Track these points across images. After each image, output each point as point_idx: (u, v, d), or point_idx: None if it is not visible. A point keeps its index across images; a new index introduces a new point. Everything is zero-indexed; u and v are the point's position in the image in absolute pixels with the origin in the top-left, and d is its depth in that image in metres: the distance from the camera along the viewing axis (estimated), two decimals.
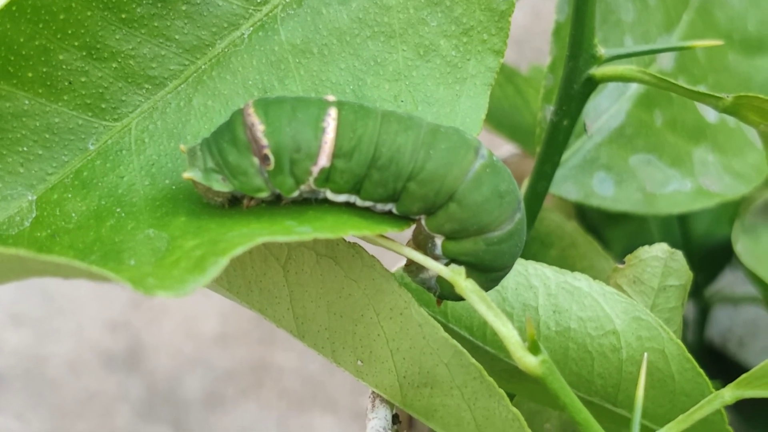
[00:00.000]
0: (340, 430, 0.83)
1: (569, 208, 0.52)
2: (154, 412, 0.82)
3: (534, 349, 0.27)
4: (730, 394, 0.30)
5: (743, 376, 0.29)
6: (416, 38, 0.31)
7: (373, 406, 0.31)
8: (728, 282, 0.58)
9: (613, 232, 0.54)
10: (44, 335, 0.83)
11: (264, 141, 0.27)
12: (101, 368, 0.83)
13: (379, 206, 0.29)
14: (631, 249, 0.36)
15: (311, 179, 0.28)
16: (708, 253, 0.55)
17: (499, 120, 0.50)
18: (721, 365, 0.61)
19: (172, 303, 0.84)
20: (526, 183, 0.39)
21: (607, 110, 0.42)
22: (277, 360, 0.84)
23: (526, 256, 0.44)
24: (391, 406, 0.31)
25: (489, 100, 0.43)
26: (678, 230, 0.54)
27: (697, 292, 0.56)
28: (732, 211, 0.50)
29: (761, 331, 0.62)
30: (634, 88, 0.43)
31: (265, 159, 0.27)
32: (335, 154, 0.27)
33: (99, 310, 0.84)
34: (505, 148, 0.56)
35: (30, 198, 0.28)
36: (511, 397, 0.36)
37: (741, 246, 0.47)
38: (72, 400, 0.82)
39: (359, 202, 0.28)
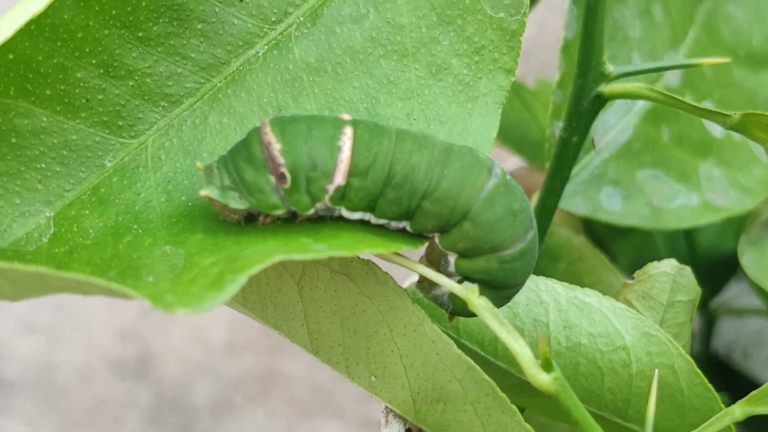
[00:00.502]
0: None
1: (577, 222, 0.51)
2: (162, 419, 0.82)
3: (547, 366, 0.27)
4: (740, 410, 0.29)
5: (753, 393, 0.29)
6: (428, 57, 0.31)
7: (387, 420, 0.31)
8: (733, 294, 0.58)
9: (619, 246, 0.53)
10: (55, 343, 0.83)
11: (281, 159, 0.27)
12: (111, 376, 0.83)
13: (394, 224, 0.28)
14: (637, 262, 0.36)
15: (327, 197, 0.27)
16: (713, 266, 0.55)
17: (506, 133, 0.50)
18: (726, 376, 0.61)
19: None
20: (535, 198, 0.39)
21: (614, 126, 0.42)
22: (285, 368, 0.84)
23: (536, 270, 0.44)
24: (404, 421, 0.31)
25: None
26: (684, 243, 0.54)
27: (703, 304, 0.56)
28: (737, 224, 0.50)
29: (766, 342, 0.62)
30: (642, 104, 0.43)
31: (281, 177, 0.27)
32: (351, 173, 0.27)
33: (109, 319, 0.84)
34: (512, 161, 0.56)
35: (48, 214, 0.28)
36: (521, 411, 0.36)
37: (747, 259, 0.46)
38: (82, 407, 0.82)
39: (374, 219, 0.28)
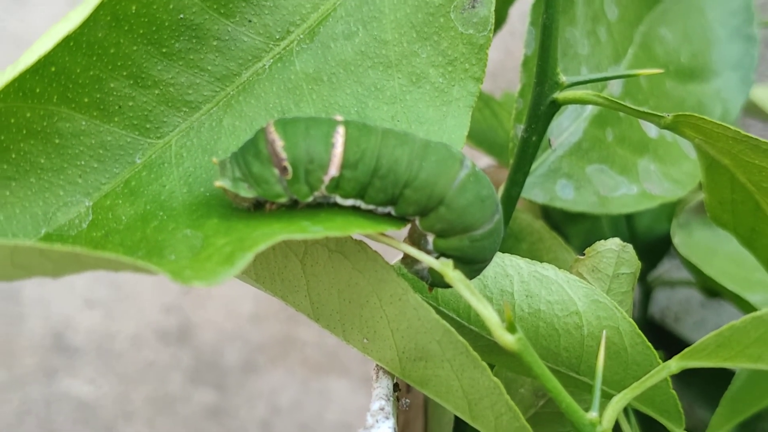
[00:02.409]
0: (352, 391, 0.82)
1: (537, 209, 0.50)
2: (200, 377, 0.81)
3: (511, 328, 0.25)
4: (675, 364, 0.28)
5: (686, 350, 0.28)
6: (409, 68, 0.29)
7: (377, 376, 0.30)
8: (666, 269, 0.57)
9: (572, 229, 0.52)
10: (112, 316, 0.82)
11: (283, 155, 0.26)
12: (158, 342, 0.82)
13: (380, 209, 0.27)
14: (587, 243, 0.35)
15: (323, 186, 0.26)
16: (650, 245, 0.54)
17: (478, 138, 0.48)
18: (661, 337, 0.59)
19: (215, 289, 0.84)
20: (501, 189, 0.37)
21: (567, 128, 0.41)
22: (300, 335, 0.83)
23: (503, 249, 0.42)
24: (392, 376, 0.30)
25: (471, 121, 0.41)
26: (625, 226, 0.52)
27: (641, 277, 0.55)
28: (669, 210, 0.49)
29: (693, 308, 0.61)
30: (590, 110, 0.41)
31: (284, 170, 0.26)
32: (343, 166, 0.26)
33: (156, 295, 0.83)
34: (483, 161, 0.55)
35: (87, 204, 0.27)
36: (491, 367, 0.35)
37: (678, 239, 0.45)
38: (134, 368, 0.81)
39: (363, 205, 0.27)
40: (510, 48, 0.75)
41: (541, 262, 0.34)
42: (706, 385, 0.52)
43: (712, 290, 0.52)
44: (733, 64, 0.48)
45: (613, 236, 0.52)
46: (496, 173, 0.52)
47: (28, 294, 0.81)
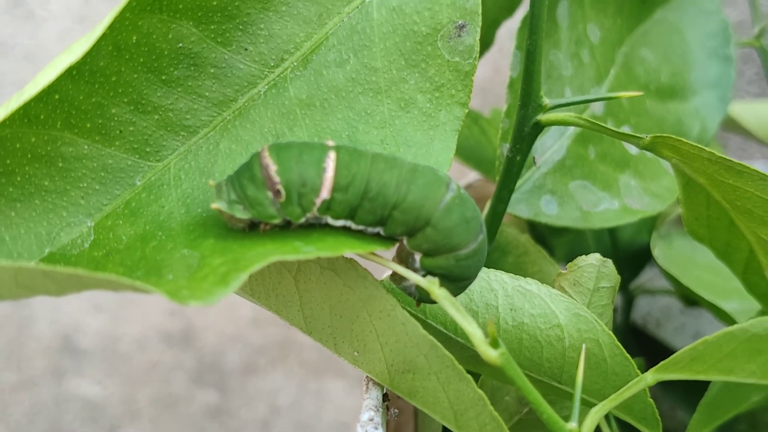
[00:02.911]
0: (348, 392, 0.82)
1: (523, 223, 0.50)
2: (203, 378, 0.81)
3: (494, 343, 0.26)
4: (651, 377, 0.28)
5: (662, 363, 0.28)
6: (398, 93, 0.29)
7: (367, 388, 0.30)
8: (648, 278, 0.57)
9: (557, 241, 0.52)
10: (118, 320, 0.82)
11: (276, 179, 0.26)
12: (162, 345, 0.82)
13: (370, 229, 0.27)
14: (572, 254, 0.35)
15: (315, 209, 0.26)
16: (632, 256, 0.54)
17: (466, 154, 0.48)
18: (643, 342, 0.60)
19: None
20: (488, 204, 0.37)
21: (551, 147, 0.41)
22: (298, 337, 0.83)
23: (490, 261, 0.42)
24: (382, 387, 0.30)
25: (460, 137, 0.41)
26: (608, 239, 0.53)
27: (624, 286, 0.55)
28: (650, 223, 0.49)
29: (673, 314, 0.61)
30: (573, 129, 0.42)
31: (277, 193, 0.26)
32: (334, 189, 0.26)
33: (160, 300, 0.83)
34: (471, 175, 0.55)
35: (89, 224, 0.27)
36: (478, 376, 0.35)
37: (658, 251, 0.45)
38: (139, 369, 0.81)
39: (354, 226, 0.27)
40: (499, 65, 0.75)
41: (527, 274, 0.34)
42: (687, 390, 0.52)
43: (690, 299, 0.52)
44: (711, 84, 0.48)
45: (597, 248, 0.52)
46: (484, 187, 0.52)
47: (38, 298, 0.81)
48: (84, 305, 0.82)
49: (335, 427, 0.82)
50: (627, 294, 0.55)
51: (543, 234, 0.52)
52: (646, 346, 0.58)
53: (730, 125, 0.62)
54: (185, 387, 0.81)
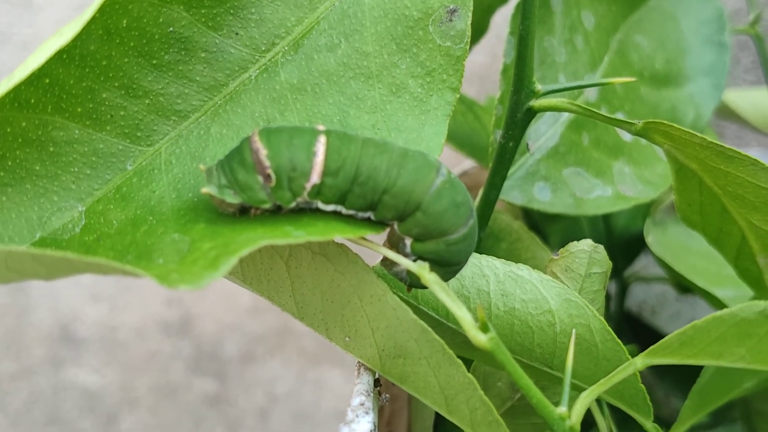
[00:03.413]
0: (346, 380, 0.82)
1: (517, 210, 0.50)
2: (201, 367, 0.81)
3: (484, 328, 0.25)
4: (641, 362, 0.28)
5: (651, 348, 0.28)
6: (390, 78, 0.29)
7: (359, 373, 0.30)
8: (642, 265, 0.57)
9: (552, 227, 0.52)
10: (116, 308, 0.82)
11: (267, 163, 0.26)
12: (160, 333, 0.82)
13: (360, 214, 0.27)
14: (566, 240, 0.35)
15: (305, 193, 0.26)
16: (626, 243, 0.54)
17: (461, 141, 0.48)
18: (638, 329, 0.60)
19: (215, 281, 0.84)
20: (481, 191, 0.37)
21: (545, 133, 0.41)
22: (296, 326, 0.83)
23: (483, 248, 0.42)
24: (373, 372, 0.30)
25: (454, 125, 0.41)
26: (603, 225, 0.52)
27: (618, 273, 0.55)
28: (645, 209, 0.49)
29: (668, 302, 0.61)
30: (566, 115, 0.41)
31: (267, 177, 0.26)
32: (324, 173, 0.26)
33: (158, 288, 0.83)
34: (466, 163, 0.55)
35: (80, 209, 0.27)
36: (470, 362, 0.35)
37: (651, 238, 0.45)
38: (137, 358, 0.81)
39: (344, 211, 0.27)
40: (496, 52, 0.75)
41: (520, 260, 0.34)
42: (681, 378, 0.52)
43: (684, 286, 0.52)
44: (706, 71, 0.48)
45: (591, 234, 0.52)
46: (479, 174, 0.52)
47: (36, 287, 0.81)
48: (82, 294, 0.82)
49: (333, 414, 0.82)
50: (621, 281, 0.55)
51: (537, 221, 0.52)
52: (641, 334, 0.58)
53: (727, 113, 0.62)
54: (183, 375, 0.81)
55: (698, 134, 0.31)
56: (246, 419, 0.80)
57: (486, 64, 0.76)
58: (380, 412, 0.44)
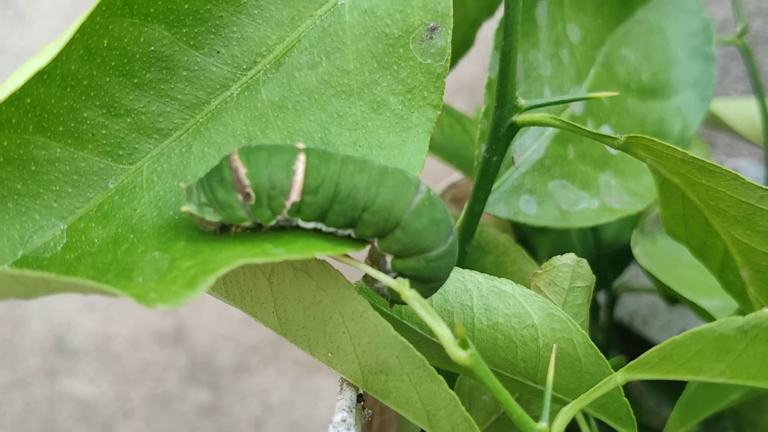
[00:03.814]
0: None
1: (505, 222, 0.50)
2: (195, 377, 0.81)
3: (464, 344, 0.26)
4: (621, 377, 0.28)
5: (631, 363, 0.28)
6: (371, 96, 0.29)
7: (341, 389, 0.30)
8: (633, 275, 0.57)
9: (540, 239, 0.52)
10: (110, 319, 0.82)
11: (246, 181, 0.26)
12: (154, 344, 0.82)
13: (341, 231, 0.27)
14: (554, 254, 0.35)
15: (285, 211, 0.26)
16: (615, 254, 0.54)
17: (449, 153, 0.48)
18: (629, 339, 0.60)
19: (208, 294, 0.84)
20: (466, 205, 0.37)
21: (530, 147, 0.41)
22: None
23: (469, 261, 0.42)
24: (356, 388, 0.30)
25: (442, 137, 0.41)
26: (592, 237, 0.53)
27: (607, 284, 0.55)
28: (634, 221, 0.49)
29: (659, 312, 0.61)
30: (551, 128, 0.42)
31: (247, 196, 0.26)
32: (304, 191, 0.26)
33: None
34: (455, 175, 0.55)
35: (62, 227, 0.27)
36: (455, 376, 0.35)
37: (638, 249, 0.46)
38: (132, 368, 0.81)
39: (324, 228, 0.27)
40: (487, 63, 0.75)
41: (507, 273, 0.34)
42: (671, 387, 0.52)
43: (672, 297, 0.52)
44: (693, 82, 0.48)
45: (580, 246, 0.52)
46: (468, 187, 0.52)
47: None
48: (76, 304, 0.82)
49: (328, 424, 0.82)
50: (611, 292, 0.55)
51: (526, 233, 0.52)
52: (631, 344, 0.58)
53: (717, 123, 0.62)
54: (178, 386, 0.81)
55: (680, 149, 0.31)
56: (241, 429, 0.80)
57: (476, 75, 0.76)
58: (369, 424, 0.44)
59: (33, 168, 0.27)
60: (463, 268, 0.32)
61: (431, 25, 0.29)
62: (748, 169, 0.65)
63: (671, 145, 0.31)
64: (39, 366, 0.80)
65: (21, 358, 0.80)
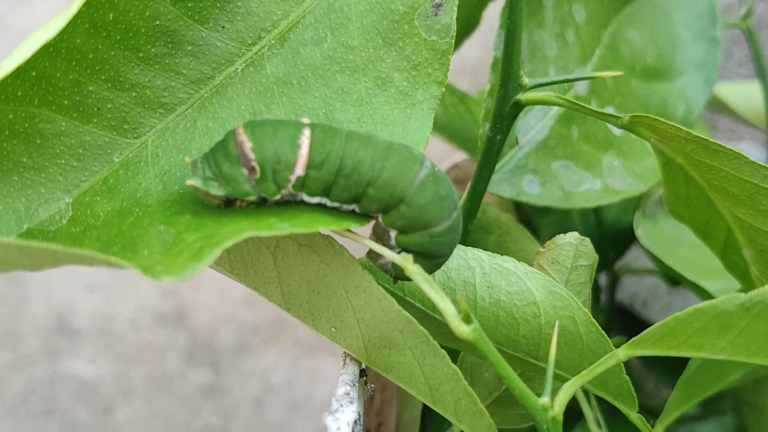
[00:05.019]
0: (339, 370, 0.82)
1: (508, 202, 0.50)
2: (196, 357, 0.82)
3: (467, 319, 0.26)
4: (623, 353, 0.28)
5: (633, 339, 0.28)
6: (375, 72, 0.29)
7: (345, 363, 0.30)
8: (634, 257, 0.57)
9: (543, 220, 0.53)
10: (111, 299, 0.82)
11: (251, 155, 0.26)
12: (155, 324, 0.82)
13: (345, 206, 0.27)
14: (557, 233, 0.35)
15: (290, 185, 0.26)
16: (617, 236, 0.54)
17: (452, 133, 0.48)
18: (629, 321, 0.60)
19: (209, 273, 0.84)
20: (469, 184, 0.38)
21: (534, 126, 0.41)
22: (291, 317, 0.83)
23: (472, 240, 0.43)
24: (359, 363, 0.30)
25: (445, 117, 0.41)
26: (594, 218, 0.53)
27: (609, 265, 0.55)
28: (636, 202, 0.49)
29: (660, 294, 0.61)
30: (556, 109, 0.42)
31: (252, 170, 0.26)
32: (309, 166, 0.26)
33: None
34: (458, 155, 0.55)
35: (67, 201, 0.27)
36: (457, 353, 0.35)
37: (641, 230, 0.46)
38: (133, 349, 0.82)
39: (329, 203, 0.27)
40: (490, 45, 0.75)
41: (509, 252, 0.35)
42: (670, 368, 0.53)
43: (674, 279, 0.53)
44: (697, 65, 0.48)
45: (582, 227, 0.53)
46: (470, 167, 0.52)
47: (32, 278, 0.82)
48: (77, 285, 0.82)
49: (328, 404, 0.83)
50: (612, 274, 0.56)
51: (529, 213, 0.53)
52: (631, 326, 0.59)
53: (719, 107, 0.62)
54: (178, 366, 0.81)
55: (683, 128, 0.31)
56: (241, 409, 0.81)
57: (479, 57, 0.76)
58: (370, 401, 0.44)
59: (38, 141, 0.27)
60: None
61: (436, 1, 0.29)
62: (750, 152, 0.65)
63: (675, 124, 0.31)
64: (40, 346, 0.80)
65: (22, 339, 0.80)
